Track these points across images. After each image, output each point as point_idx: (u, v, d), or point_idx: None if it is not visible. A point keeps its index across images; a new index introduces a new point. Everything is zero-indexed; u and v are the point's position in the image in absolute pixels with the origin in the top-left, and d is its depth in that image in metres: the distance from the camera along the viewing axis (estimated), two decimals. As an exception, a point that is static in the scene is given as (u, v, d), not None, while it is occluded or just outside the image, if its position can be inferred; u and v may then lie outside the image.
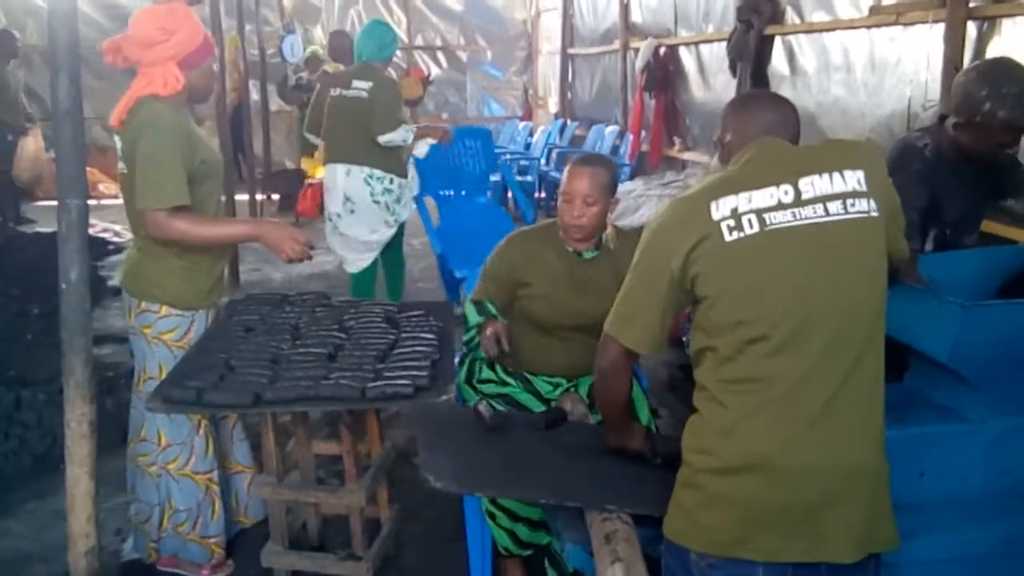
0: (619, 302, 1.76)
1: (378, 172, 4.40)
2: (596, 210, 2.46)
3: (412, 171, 4.82)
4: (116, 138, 2.56)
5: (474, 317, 2.57)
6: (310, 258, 2.62)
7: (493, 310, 2.56)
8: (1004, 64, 2.35)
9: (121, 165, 2.55)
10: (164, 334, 2.59)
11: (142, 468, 2.69)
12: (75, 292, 1.74)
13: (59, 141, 1.69)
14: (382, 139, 4.32)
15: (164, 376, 2.53)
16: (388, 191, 4.43)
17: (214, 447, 2.72)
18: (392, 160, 4.46)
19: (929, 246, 2.46)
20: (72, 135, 1.68)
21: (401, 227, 4.66)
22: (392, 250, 4.74)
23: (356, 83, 4.39)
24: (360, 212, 4.43)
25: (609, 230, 2.54)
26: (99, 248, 6.70)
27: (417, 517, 3.08)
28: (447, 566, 2.81)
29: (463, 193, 5.68)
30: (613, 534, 1.74)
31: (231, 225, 2.64)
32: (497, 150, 8.86)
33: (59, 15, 1.67)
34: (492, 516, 2.49)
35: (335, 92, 4.50)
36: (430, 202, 5.33)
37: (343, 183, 4.42)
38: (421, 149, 4.75)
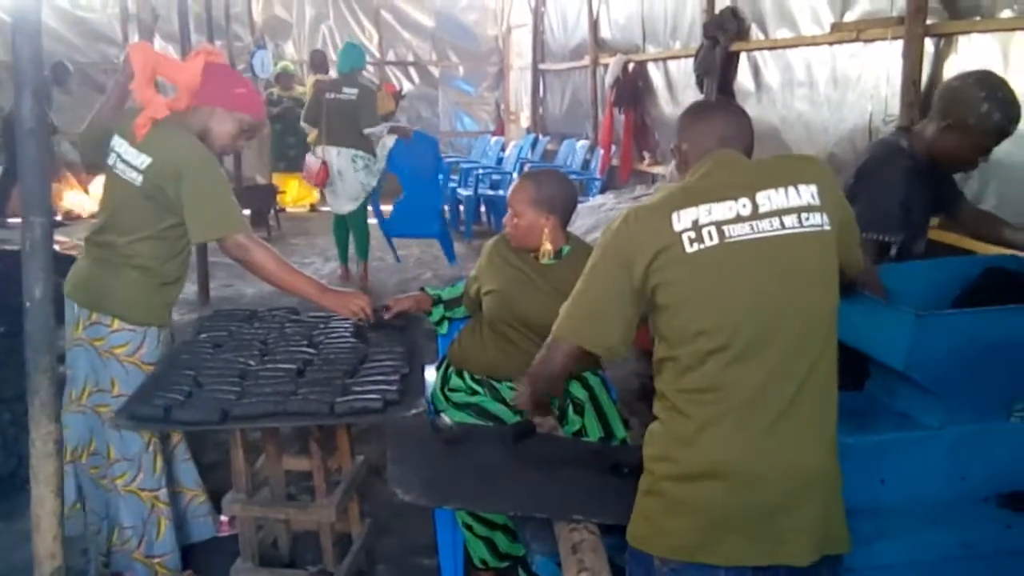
0: (572, 305, 1.78)
1: (360, 153, 6.27)
2: (521, 223, 2.55)
3: (383, 153, 6.48)
4: (128, 147, 2.54)
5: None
6: (369, 315, 2.70)
7: (440, 293, 2.87)
8: (996, 75, 2.45)
9: (136, 176, 2.52)
10: (116, 348, 2.57)
11: (95, 480, 2.67)
12: (40, 310, 1.72)
13: (23, 158, 1.68)
14: (367, 131, 6.27)
15: (116, 390, 2.54)
16: (366, 167, 6.33)
17: (163, 466, 2.69)
18: (367, 144, 6.33)
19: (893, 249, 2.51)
20: (36, 152, 1.67)
21: (367, 198, 6.45)
22: (358, 217, 6.49)
23: (345, 89, 6.26)
24: (346, 180, 6.30)
25: (546, 247, 2.55)
26: (65, 265, 6.59)
27: (389, 532, 3.08)
28: (419, 581, 2.82)
29: (416, 186, 7.00)
30: (580, 544, 1.76)
31: (303, 282, 2.64)
32: (469, 165, 8.94)
33: (23, 30, 1.66)
34: (469, 527, 2.50)
35: (330, 95, 6.30)
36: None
37: (335, 161, 6.25)
38: (390, 140, 6.49)
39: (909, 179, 2.42)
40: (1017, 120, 2.35)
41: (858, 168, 2.47)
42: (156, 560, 2.68)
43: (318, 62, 8.55)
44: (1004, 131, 2.36)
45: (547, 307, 2.48)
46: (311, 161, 6.38)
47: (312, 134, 6.64)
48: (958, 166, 2.48)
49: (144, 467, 2.64)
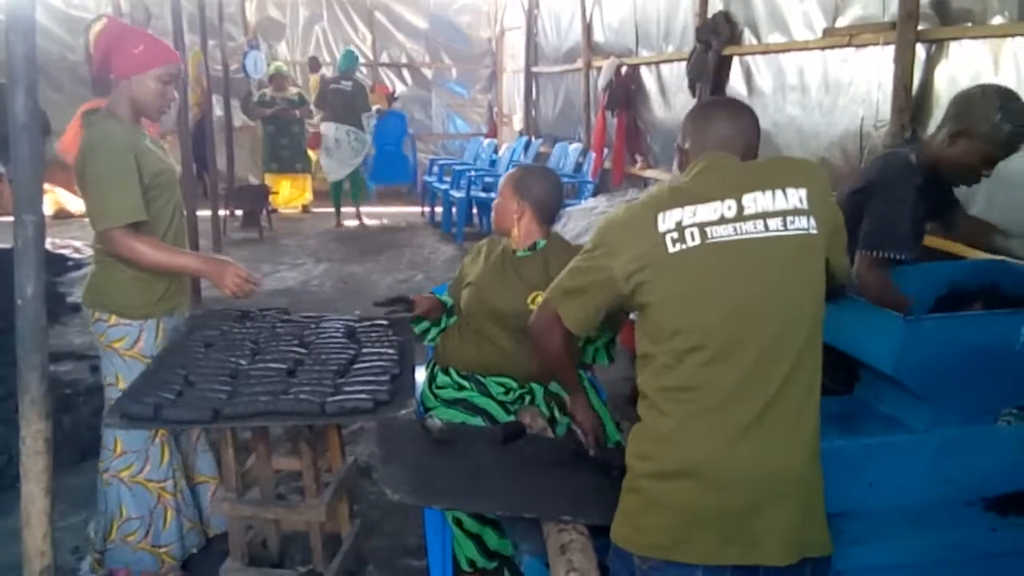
0: (565, 276, 1.85)
1: (353, 128, 8.76)
2: (497, 202, 2.73)
3: (369, 130, 9.10)
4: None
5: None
6: (252, 292, 2.65)
7: (449, 301, 2.87)
8: (1009, 89, 2.45)
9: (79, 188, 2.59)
10: (115, 342, 2.62)
11: (100, 476, 2.70)
12: (31, 308, 1.72)
13: (16, 156, 1.68)
14: (364, 116, 8.86)
15: (121, 384, 2.57)
16: (357, 139, 8.81)
17: (170, 458, 2.72)
18: (359, 123, 8.83)
19: None
20: (29, 150, 1.67)
21: (359, 165, 9.04)
22: (355, 176, 9.09)
23: (343, 83, 8.82)
24: (342, 149, 8.77)
25: (514, 233, 2.68)
26: (58, 264, 6.60)
27: (378, 532, 3.08)
28: (408, 581, 2.82)
29: (390, 147, 10.60)
30: (569, 544, 1.76)
31: (182, 257, 2.66)
32: (461, 167, 8.95)
33: (16, 28, 1.66)
34: (459, 523, 2.50)
35: (334, 85, 8.84)
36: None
37: (335, 133, 8.72)
38: (373, 120, 9.30)
39: (919, 197, 2.41)
40: None
41: (868, 180, 2.44)
42: (163, 550, 2.72)
43: (315, 66, 10.48)
44: (1013, 144, 2.35)
45: (514, 298, 2.57)
46: (313, 132, 9.05)
47: (318, 116, 9.29)
48: (963, 177, 2.46)
49: (151, 459, 2.68)
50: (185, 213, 2.88)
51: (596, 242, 1.78)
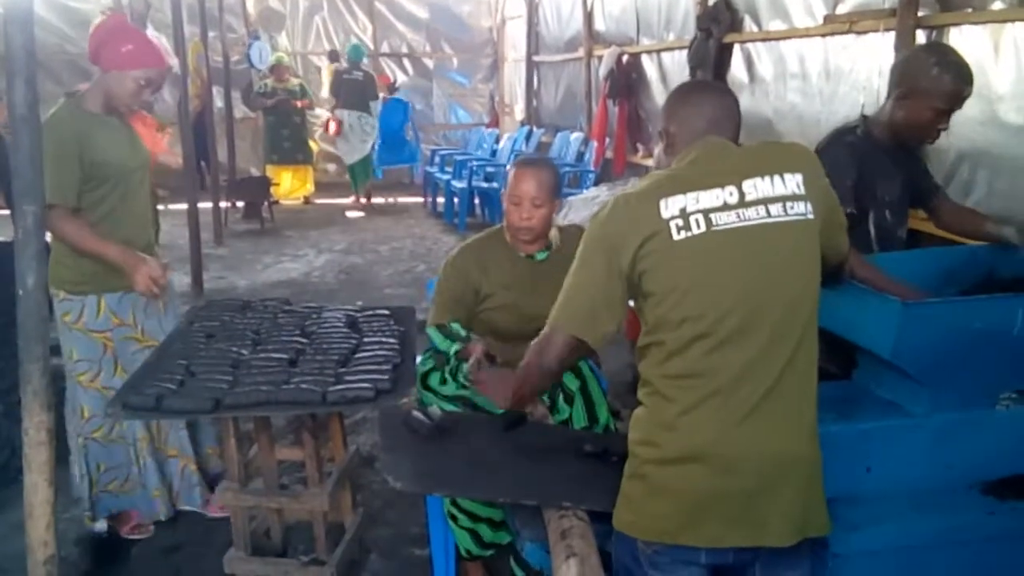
0: (566, 296, 1.77)
1: (364, 114, 9.73)
2: (543, 212, 2.52)
3: (376, 114, 9.95)
4: None
5: (442, 342, 2.57)
6: (157, 296, 2.80)
7: (462, 332, 2.57)
8: (944, 44, 2.49)
9: None
10: (64, 316, 2.80)
11: (71, 440, 2.91)
12: (32, 299, 1.73)
13: (16, 147, 1.68)
14: (372, 104, 9.80)
15: (74, 357, 2.81)
16: (368, 123, 9.77)
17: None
18: (369, 109, 9.76)
19: (872, 230, 2.53)
20: (29, 141, 1.68)
21: (371, 149, 9.97)
22: (366, 163, 10.00)
23: (355, 72, 9.74)
24: (355, 132, 9.74)
25: (553, 231, 2.60)
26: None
27: (381, 522, 3.10)
28: (412, 570, 2.83)
29: (392, 130, 10.51)
30: (569, 530, 1.77)
31: (106, 246, 2.71)
32: (463, 157, 8.95)
33: (15, 19, 1.66)
34: (454, 518, 2.51)
35: (346, 76, 9.73)
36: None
37: (348, 118, 9.66)
38: (380, 106, 10.06)
39: (854, 155, 2.45)
40: (968, 83, 2.38)
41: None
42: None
43: (333, 56, 10.97)
44: (956, 93, 2.37)
45: (551, 303, 2.44)
46: (329, 118, 9.86)
47: (329, 104, 10.25)
48: (918, 136, 2.51)
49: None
50: (153, 208, 3.09)
51: (592, 242, 1.72)
